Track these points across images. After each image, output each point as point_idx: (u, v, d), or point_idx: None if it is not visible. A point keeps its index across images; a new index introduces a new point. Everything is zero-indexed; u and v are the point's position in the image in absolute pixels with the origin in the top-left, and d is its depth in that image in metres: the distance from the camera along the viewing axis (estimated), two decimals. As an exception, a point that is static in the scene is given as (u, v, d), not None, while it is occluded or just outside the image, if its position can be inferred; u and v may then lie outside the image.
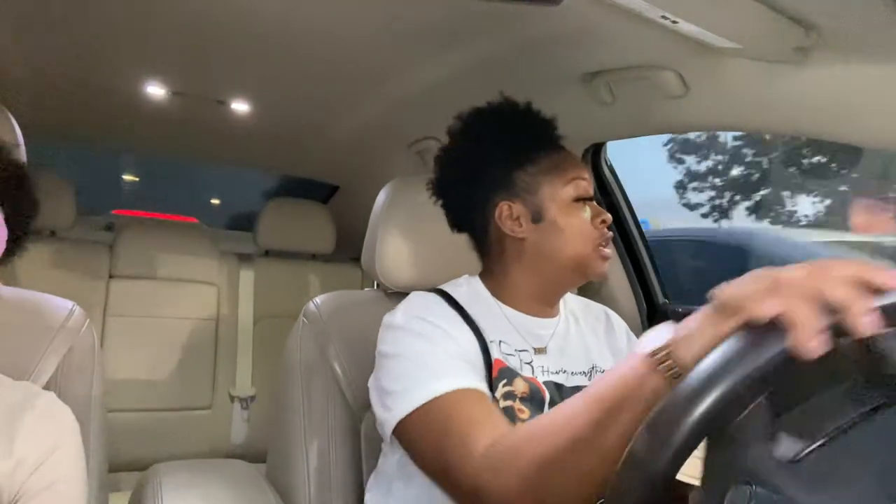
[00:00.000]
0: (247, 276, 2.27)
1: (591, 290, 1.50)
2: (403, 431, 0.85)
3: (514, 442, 0.71)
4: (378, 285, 1.18)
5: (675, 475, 0.45)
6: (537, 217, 0.97)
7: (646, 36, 0.94)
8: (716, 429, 0.45)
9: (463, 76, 1.29)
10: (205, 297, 2.18)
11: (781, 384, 0.45)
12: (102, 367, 0.99)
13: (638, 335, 1.45)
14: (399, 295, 1.06)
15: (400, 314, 0.94)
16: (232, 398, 2.15)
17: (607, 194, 1.48)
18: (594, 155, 1.46)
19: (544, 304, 1.02)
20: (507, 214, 0.98)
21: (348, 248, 2.38)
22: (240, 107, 1.70)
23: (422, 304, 0.96)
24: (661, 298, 1.49)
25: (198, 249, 2.22)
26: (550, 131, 1.03)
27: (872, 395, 0.49)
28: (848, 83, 0.88)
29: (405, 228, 1.12)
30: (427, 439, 0.82)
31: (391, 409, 0.85)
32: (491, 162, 0.99)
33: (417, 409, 0.82)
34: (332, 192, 2.67)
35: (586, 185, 0.99)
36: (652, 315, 1.48)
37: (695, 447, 0.45)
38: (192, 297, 2.16)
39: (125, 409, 1.96)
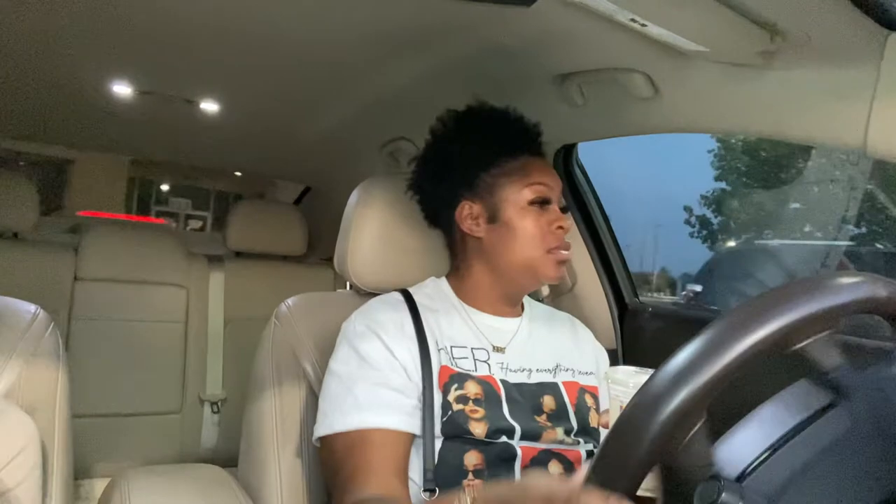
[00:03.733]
0: (217, 278, 2.24)
1: (562, 289, 1.51)
2: (321, 449, 0.93)
3: None
4: (351, 286, 1.18)
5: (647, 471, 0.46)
6: (493, 217, 1.01)
7: (615, 38, 0.95)
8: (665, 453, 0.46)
9: (435, 77, 1.29)
10: (173, 300, 2.15)
11: (721, 398, 0.47)
12: (68, 372, 0.97)
13: (610, 335, 1.48)
14: (372, 296, 1.06)
15: (353, 322, 0.98)
16: (202, 402, 2.12)
17: (578, 195, 1.50)
18: (566, 156, 1.47)
19: (504, 304, 1.05)
20: (468, 213, 1.02)
21: (320, 249, 2.37)
22: (209, 107, 1.68)
23: (375, 310, 0.99)
24: (631, 297, 1.51)
25: (166, 251, 2.18)
26: (522, 136, 1.04)
27: (817, 398, 0.51)
28: (810, 86, 0.90)
29: (377, 229, 1.12)
30: (328, 466, 0.91)
31: (317, 425, 0.92)
32: (458, 162, 1.03)
33: (329, 436, 0.89)
34: (304, 192, 2.65)
35: (546, 191, 1.00)
36: (623, 314, 1.50)
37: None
38: (161, 299, 2.13)
39: (92, 415, 1.92)
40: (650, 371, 0.72)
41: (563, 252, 1.00)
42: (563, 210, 1.03)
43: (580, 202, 1.50)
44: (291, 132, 1.88)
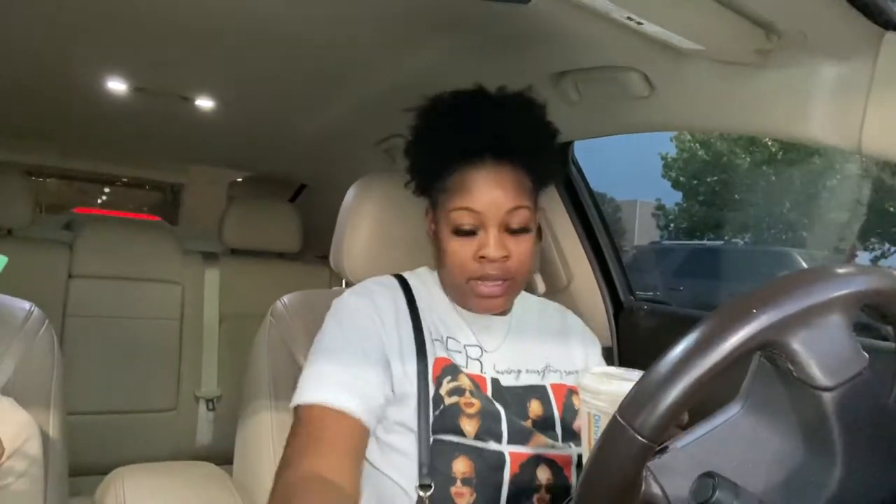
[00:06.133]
0: (212, 275, 2.23)
1: (557, 287, 1.52)
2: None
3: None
4: (346, 283, 1.18)
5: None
6: (437, 231, 0.96)
7: (612, 37, 0.95)
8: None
9: (430, 74, 1.29)
10: (168, 297, 2.14)
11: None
12: (62, 369, 0.97)
13: (606, 333, 1.48)
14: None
15: (343, 296, 0.95)
16: (197, 399, 2.12)
17: (574, 193, 1.50)
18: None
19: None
20: (428, 216, 0.99)
21: (315, 247, 2.37)
22: (205, 103, 1.67)
23: (369, 290, 0.95)
24: (626, 295, 1.52)
25: (161, 248, 2.17)
26: (473, 140, 0.90)
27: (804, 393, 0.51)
28: (806, 84, 0.90)
29: (373, 226, 1.11)
30: (288, 438, 0.86)
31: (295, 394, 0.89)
32: (418, 166, 0.98)
33: (296, 407, 0.86)
34: (300, 190, 2.65)
35: (468, 220, 0.89)
36: (618, 312, 1.50)
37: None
38: (156, 296, 2.12)
39: (86, 412, 1.91)
40: (619, 375, 0.70)
41: (484, 286, 0.91)
42: (518, 231, 0.90)
43: (576, 200, 1.50)
44: (287, 129, 1.88)
